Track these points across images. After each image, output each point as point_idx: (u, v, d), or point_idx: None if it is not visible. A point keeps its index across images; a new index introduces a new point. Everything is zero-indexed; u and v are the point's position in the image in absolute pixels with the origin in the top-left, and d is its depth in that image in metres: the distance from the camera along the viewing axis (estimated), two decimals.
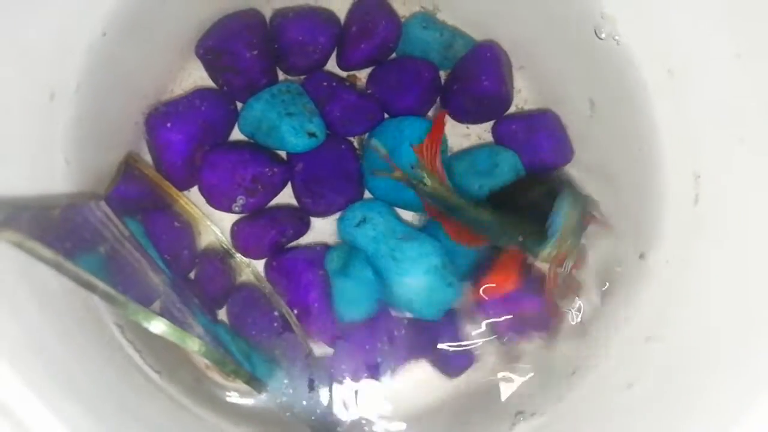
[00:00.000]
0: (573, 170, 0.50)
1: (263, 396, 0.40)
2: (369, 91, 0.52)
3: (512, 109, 0.54)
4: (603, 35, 0.45)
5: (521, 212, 0.45)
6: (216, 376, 0.44)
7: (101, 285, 0.30)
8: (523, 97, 0.55)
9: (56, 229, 0.32)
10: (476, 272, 0.47)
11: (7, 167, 0.33)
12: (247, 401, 0.43)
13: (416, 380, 0.49)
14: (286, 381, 0.43)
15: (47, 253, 0.29)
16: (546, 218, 0.42)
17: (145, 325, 0.32)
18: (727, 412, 0.34)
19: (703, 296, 0.39)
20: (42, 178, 0.36)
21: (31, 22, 0.35)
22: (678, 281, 0.41)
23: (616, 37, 0.45)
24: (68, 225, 0.34)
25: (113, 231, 0.37)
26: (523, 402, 0.44)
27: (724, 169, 0.40)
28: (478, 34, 0.53)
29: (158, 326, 0.32)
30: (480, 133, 0.54)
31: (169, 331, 0.32)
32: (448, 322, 0.48)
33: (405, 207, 0.51)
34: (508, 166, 0.50)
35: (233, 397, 0.43)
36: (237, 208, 0.48)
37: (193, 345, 0.33)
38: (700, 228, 0.41)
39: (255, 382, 0.37)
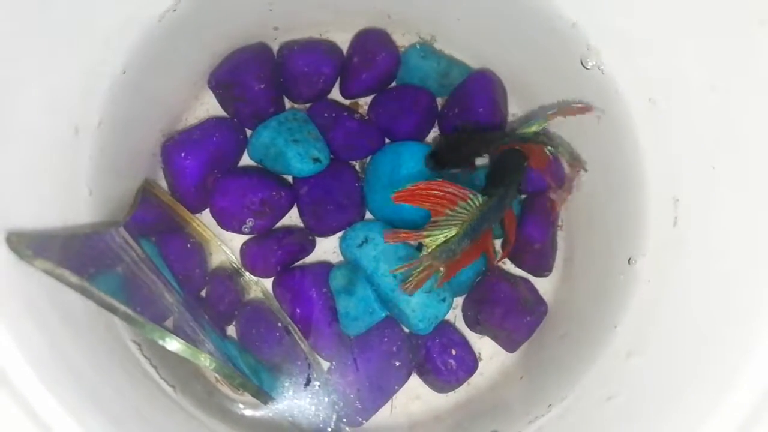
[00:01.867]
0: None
1: (269, 407, 0.43)
2: (369, 117, 0.55)
3: None
4: (589, 65, 0.48)
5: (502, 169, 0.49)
6: (225, 389, 0.47)
7: (122, 307, 0.33)
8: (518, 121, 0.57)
9: (81, 256, 0.35)
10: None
11: (38, 201, 0.37)
12: (255, 413, 0.46)
13: (410, 394, 0.51)
14: (288, 389, 0.45)
15: (74, 279, 0.32)
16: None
17: (161, 343, 0.35)
18: (696, 416, 0.36)
19: (680, 314, 0.42)
20: (68, 208, 0.40)
21: (58, 66, 0.39)
22: (658, 299, 0.43)
23: (601, 67, 0.47)
24: (92, 251, 0.37)
25: (131, 255, 0.40)
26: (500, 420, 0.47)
27: (701, 194, 0.42)
28: (473, 63, 0.56)
29: (173, 344, 0.35)
30: None
31: (183, 348, 0.35)
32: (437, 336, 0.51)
33: (405, 227, 0.53)
34: None
35: (242, 409, 0.46)
36: (246, 229, 0.52)
37: (205, 361, 0.36)
38: (679, 249, 0.43)
39: (261, 395, 0.40)
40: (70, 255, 0.34)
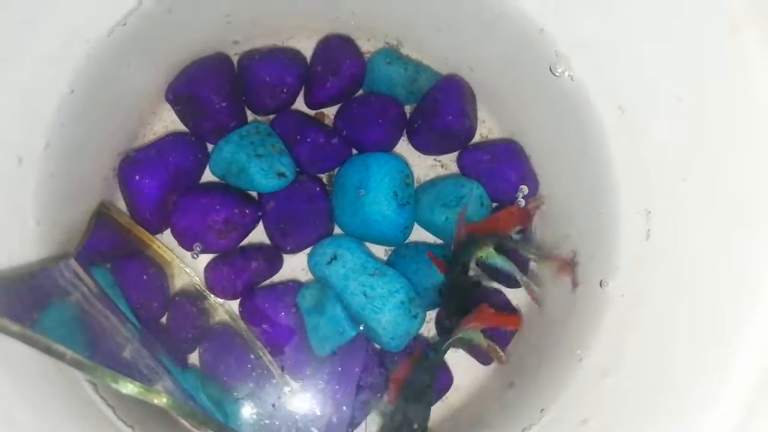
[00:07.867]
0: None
1: None
2: (335, 128, 0.53)
3: (477, 138, 0.55)
4: (558, 72, 0.47)
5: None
6: (188, 425, 0.46)
7: (69, 353, 0.32)
8: (488, 126, 0.56)
9: (24, 299, 0.33)
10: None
11: None
12: None
13: None
14: (255, 417, 0.44)
15: (15, 327, 0.30)
16: None
17: (114, 386, 0.33)
18: None
19: (655, 329, 0.41)
20: (12, 244, 0.38)
21: None
22: (632, 314, 0.42)
23: (570, 74, 0.46)
24: (37, 292, 0.35)
25: (82, 290, 0.38)
26: None
27: (672, 207, 0.41)
28: (441, 68, 0.55)
29: (126, 386, 0.34)
30: (446, 162, 0.55)
31: (137, 390, 0.34)
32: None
33: (375, 242, 0.52)
34: (473, 198, 0.51)
35: None
36: (195, 256, 0.50)
37: (161, 401, 0.35)
38: (652, 262, 0.42)
39: (225, 431, 0.39)
40: (11, 299, 0.32)
